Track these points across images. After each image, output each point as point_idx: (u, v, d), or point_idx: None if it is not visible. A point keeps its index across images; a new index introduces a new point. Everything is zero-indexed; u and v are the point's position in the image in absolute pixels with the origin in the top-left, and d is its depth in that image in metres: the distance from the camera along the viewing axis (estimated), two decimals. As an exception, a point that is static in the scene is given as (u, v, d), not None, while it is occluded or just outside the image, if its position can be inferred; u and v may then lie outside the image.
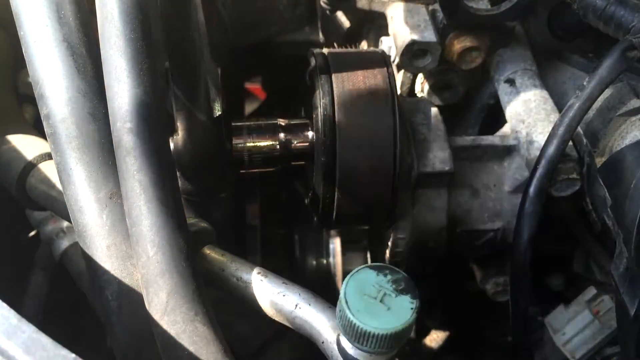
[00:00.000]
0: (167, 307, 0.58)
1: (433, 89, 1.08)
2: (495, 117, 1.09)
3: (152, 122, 0.62)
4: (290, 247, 1.46)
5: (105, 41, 0.63)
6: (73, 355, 0.48)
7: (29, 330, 0.49)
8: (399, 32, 1.00)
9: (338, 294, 0.58)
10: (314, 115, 0.88)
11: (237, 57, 1.43)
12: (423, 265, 1.00)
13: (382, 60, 0.91)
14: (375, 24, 1.14)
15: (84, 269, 0.94)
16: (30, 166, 0.85)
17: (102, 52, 0.63)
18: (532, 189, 0.85)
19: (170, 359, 0.58)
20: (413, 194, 0.95)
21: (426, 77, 1.07)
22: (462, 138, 0.99)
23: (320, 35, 1.29)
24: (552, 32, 1.10)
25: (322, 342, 0.63)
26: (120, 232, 0.62)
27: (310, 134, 0.91)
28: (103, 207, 0.63)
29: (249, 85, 1.87)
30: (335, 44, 0.97)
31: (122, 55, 0.62)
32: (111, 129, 0.62)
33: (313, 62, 0.91)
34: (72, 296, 1.01)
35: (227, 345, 0.60)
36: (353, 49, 0.96)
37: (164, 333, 0.58)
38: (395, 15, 1.03)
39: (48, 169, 0.85)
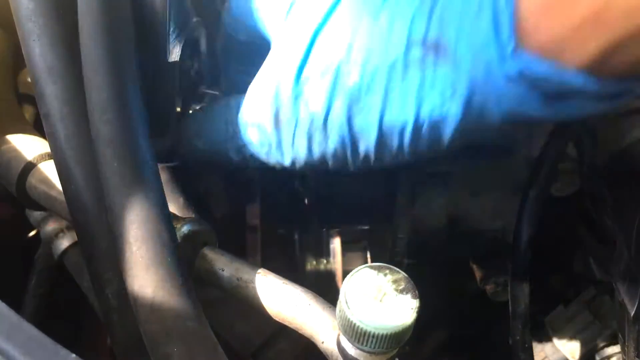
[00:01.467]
0: (153, 303, 0.57)
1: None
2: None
3: (131, 112, 0.61)
4: (290, 247, 1.46)
5: (83, 32, 0.63)
6: (73, 355, 0.48)
7: (29, 330, 0.49)
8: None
9: (338, 294, 0.58)
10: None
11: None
12: (423, 266, 1.00)
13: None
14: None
15: (84, 269, 0.94)
16: (30, 166, 0.85)
17: (80, 43, 0.63)
18: (532, 189, 0.85)
19: (159, 357, 0.57)
20: (413, 194, 0.95)
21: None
22: (462, 138, 0.99)
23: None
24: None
25: (322, 342, 0.63)
26: (120, 232, 0.62)
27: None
28: (103, 207, 0.63)
29: (249, 85, 1.87)
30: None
31: (100, 46, 0.62)
32: (89, 120, 0.62)
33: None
34: (72, 296, 1.01)
35: (217, 341, 0.59)
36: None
37: (151, 330, 0.57)
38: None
39: (48, 169, 0.85)
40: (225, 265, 0.69)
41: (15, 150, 0.88)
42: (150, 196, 0.60)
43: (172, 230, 0.61)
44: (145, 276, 0.58)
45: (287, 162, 0.70)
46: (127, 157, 0.60)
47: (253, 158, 0.72)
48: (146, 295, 0.57)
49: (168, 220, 0.61)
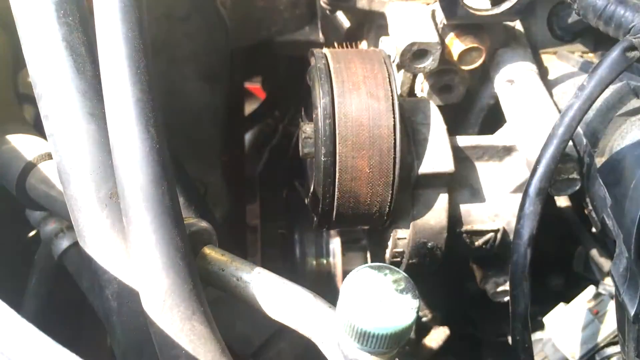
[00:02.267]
0: (164, 306, 0.58)
1: (433, 89, 1.08)
2: (495, 117, 1.09)
3: (149, 120, 0.62)
4: (290, 247, 1.46)
5: (102, 40, 0.63)
6: (73, 355, 0.48)
7: (29, 330, 0.49)
8: (399, 32, 1.00)
9: (338, 294, 0.58)
10: (314, 115, 0.88)
11: (237, 57, 1.43)
12: (423, 266, 1.00)
13: (382, 60, 0.91)
14: (375, 24, 1.14)
15: (84, 269, 0.94)
16: (30, 166, 0.85)
17: (99, 50, 0.63)
18: (532, 189, 0.85)
19: (167, 358, 0.58)
20: (413, 194, 0.95)
21: (426, 77, 1.07)
22: (462, 138, 0.99)
23: (320, 35, 1.29)
24: (552, 32, 1.10)
25: (322, 342, 0.63)
26: (120, 231, 0.62)
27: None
28: (103, 207, 0.63)
29: (249, 85, 1.88)
30: (335, 44, 0.97)
31: (120, 54, 0.62)
32: (108, 127, 0.62)
33: (313, 61, 0.91)
34: (72, 296, 1.01)
35: (224, 344, 0.60)
36: (353, 49, 0.96)
37: (161, 332, 0.58)
38: (395, 15, 1.03)
39: (48, 169, 0.85)
40: (225, 265, 0.69)
41: (15, 150, 0.88)
42: (166, 202, 0.60)
43: (185, 236, 0.61)
44: (157, 279, 0.58)
45: None
46: (144, 164, 0.60)
47: None
48: (157, 298, 0.58)
49: (182, 225, 0.62)
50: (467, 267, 1.20)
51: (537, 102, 0.99)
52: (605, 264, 1.15)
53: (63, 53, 0.65)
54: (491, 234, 1.00)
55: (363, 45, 1.18)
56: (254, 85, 1.89)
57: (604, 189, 0.85)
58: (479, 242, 1.01)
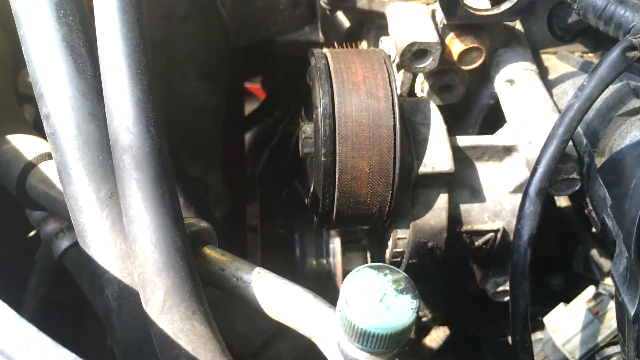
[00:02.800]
0: (164, 306, 0.58)
1: (433, 89, 1.08)
2: (495, 117, 1.09)
3: (149, 120, 0.62)
4: (290, 247, 1.47)
5: (102, 40, 0.63)
6: (73, 355, 0.48)
7: (29, 330, 0.49)
8: (399, 32, 1.00)
9: (338, 294, 0.58)
10: (314, 115, 0.88)
11: (237, 57, 1.43)
12: (423, 266, 1.01)
13: (382, 60, 0.91)
14: (375, 24, 1.14)
15: (84, 269, 0.94)
16: (30, 166, 0.85)
17: (99, 50, 0.64)
18: (532, 189, 0.85)
19: (167, 358, 0.58)
20: (413, 194, 0.95)
21: (426, 77, 1.07)
22: (462, 138, 0.99)
23: (320, 35, 1.29)
24: (552, 32, 1.10)
25: (322, 342, 0.63)
26: (120, 232, 0.62)
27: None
28: (103, 207, 0.63)
29: (249, 85, 1.88)
30: (335, 44, 0.97)
31: (120, 54, 0.62)
32: (108, 127, 0.62)
33: (313, 61, 0.91)
34: (72, 296, 1.01)
35: (224, 344, 0.60)
36: (353, 49, 0.96)
37: (161, 332, 0.58)
38: (395, 15, 1.04)
39: (48, 169, 0.85)
40: (225, 265, 0.69)
41: (15, 150, 0.88)
42: (166, 202, 0.60)
43: (185, 236, 0.62)
44: (158, 280, 0.58)
45: None
46: (144, 164, 0.60)
47: None
48: (158, 298, 0.58)
49: (182, 225, 0.62)
50: (467, 267, 1.20)
51: (537, 102, 0.99)
52: (605, 264, 1.15)
53: (63, 53, 0.66)
54: (491, 234, 1.00)
55: (363, 45, 1.18)
56: (254, 85, 1.89)
57: (604, 189, 0.85)
58: (479, 242, 1.01)
